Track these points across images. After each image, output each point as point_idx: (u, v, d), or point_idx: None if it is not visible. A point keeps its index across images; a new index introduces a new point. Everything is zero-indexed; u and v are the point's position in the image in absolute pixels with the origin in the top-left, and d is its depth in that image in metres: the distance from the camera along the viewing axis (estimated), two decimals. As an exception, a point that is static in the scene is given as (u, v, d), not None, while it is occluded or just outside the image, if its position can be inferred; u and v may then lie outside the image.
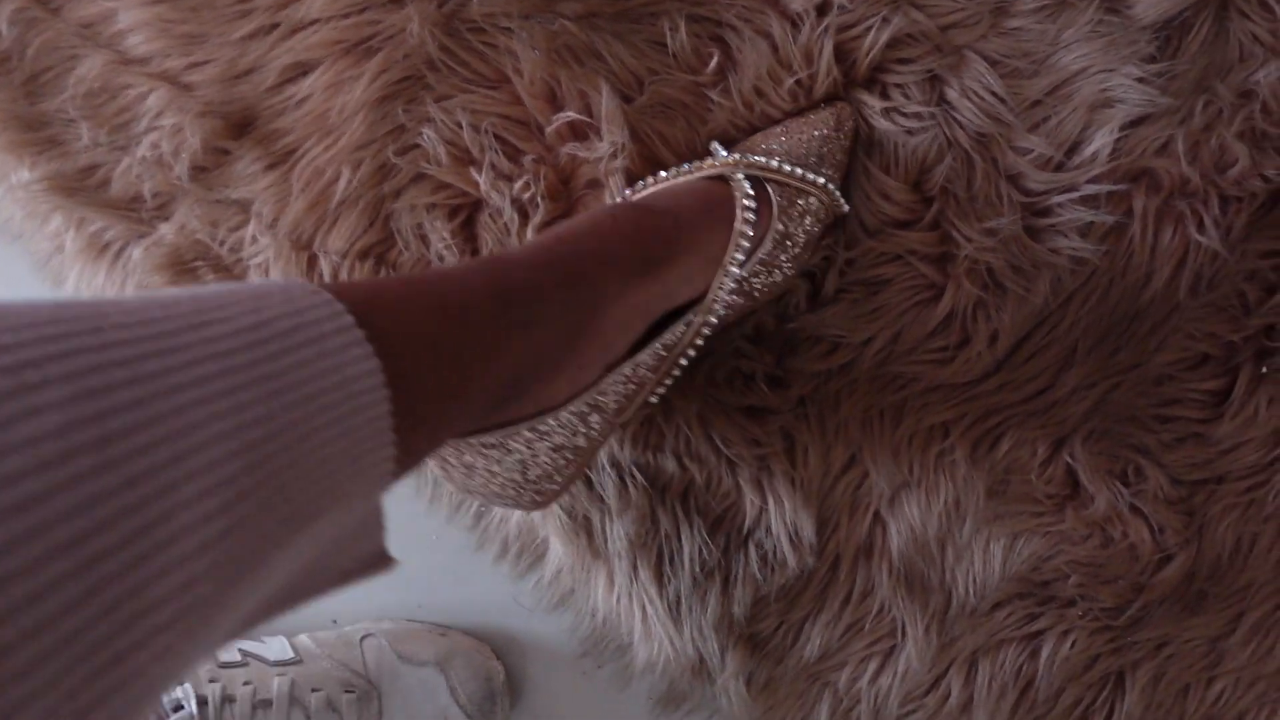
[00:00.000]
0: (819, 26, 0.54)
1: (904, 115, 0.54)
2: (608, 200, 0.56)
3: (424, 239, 0.58)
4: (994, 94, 0.55)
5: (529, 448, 0.45)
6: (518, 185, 0.56)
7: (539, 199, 0.56)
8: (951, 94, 0.55)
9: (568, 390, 0.45)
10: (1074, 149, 0.55)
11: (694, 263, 0.47)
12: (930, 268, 0.55)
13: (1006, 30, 0.55)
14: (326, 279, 0.58)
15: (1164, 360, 0.56)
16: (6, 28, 0.60)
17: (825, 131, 0.54)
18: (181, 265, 0.60)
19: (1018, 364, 0.56)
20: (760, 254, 0.52)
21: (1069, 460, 0.56)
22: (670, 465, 0.58)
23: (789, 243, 0.53)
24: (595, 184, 0.57)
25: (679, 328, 0.49)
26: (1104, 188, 0.54)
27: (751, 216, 0.50)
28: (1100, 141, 0.53)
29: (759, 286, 0.53)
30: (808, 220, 0.53)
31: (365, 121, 0.57)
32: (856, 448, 0.57)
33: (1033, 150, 0.55)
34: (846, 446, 0.57)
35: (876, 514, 0.58)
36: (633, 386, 0.49)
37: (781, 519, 0.57)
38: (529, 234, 0.56)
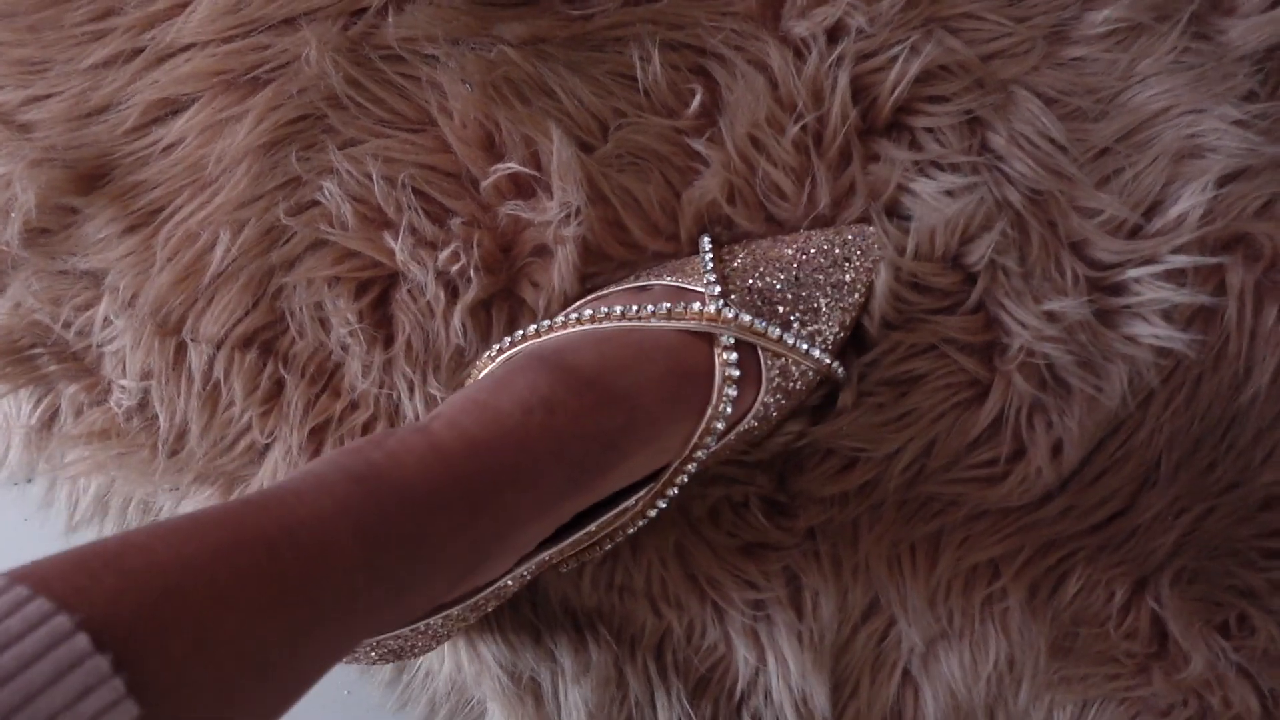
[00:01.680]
0: (830, 55, 0.43)
1: (940, 169, 0.42)
2: (555, 277, 0.43)
3: (323, 322, 0.45)
4: (1051, 140, 0.43)
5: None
6: (444, 255, 0.43)
7: (471, 272, 0.43)
8: (997, 141, 0.43)
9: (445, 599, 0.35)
10: (1154, 210, 0.43)
11: (642, 461, 0.37)
12: (973, 361, 0.43)
13: (1065, 61, 0.44)
14: (197, 373, 0.45)
15: (1271, 478, 0.44)
16: None
17: (850, 277, 0.42)
18: (16, 353, 0.47)
19: (1086, 483, 0.44)
20: (730, 436, 0.40)
21: (1154, 606, 0.44)
22: (641, 612, 0.45)
23: (771, 414, 0.41)
24: (542, 251, 0.44)
25: (611, 515, 0.39)
26: (1193, 259, 0.42)
27: (728, 408, 0.39)
28: (1188, 201, 0.42)
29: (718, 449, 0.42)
30: (798, 386, 0.41)
31: (250, 172, 0.44)
32: (880, 591, 0.44)
33: (1102, 212, 0.43)
34: (867, 590, 0.44)
35: (906, 674, 0.45)
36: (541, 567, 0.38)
37: (785, 682, 0.44)
38: (456, 317, 0.44)
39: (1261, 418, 0.44)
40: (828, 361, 0.41)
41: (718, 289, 0.40)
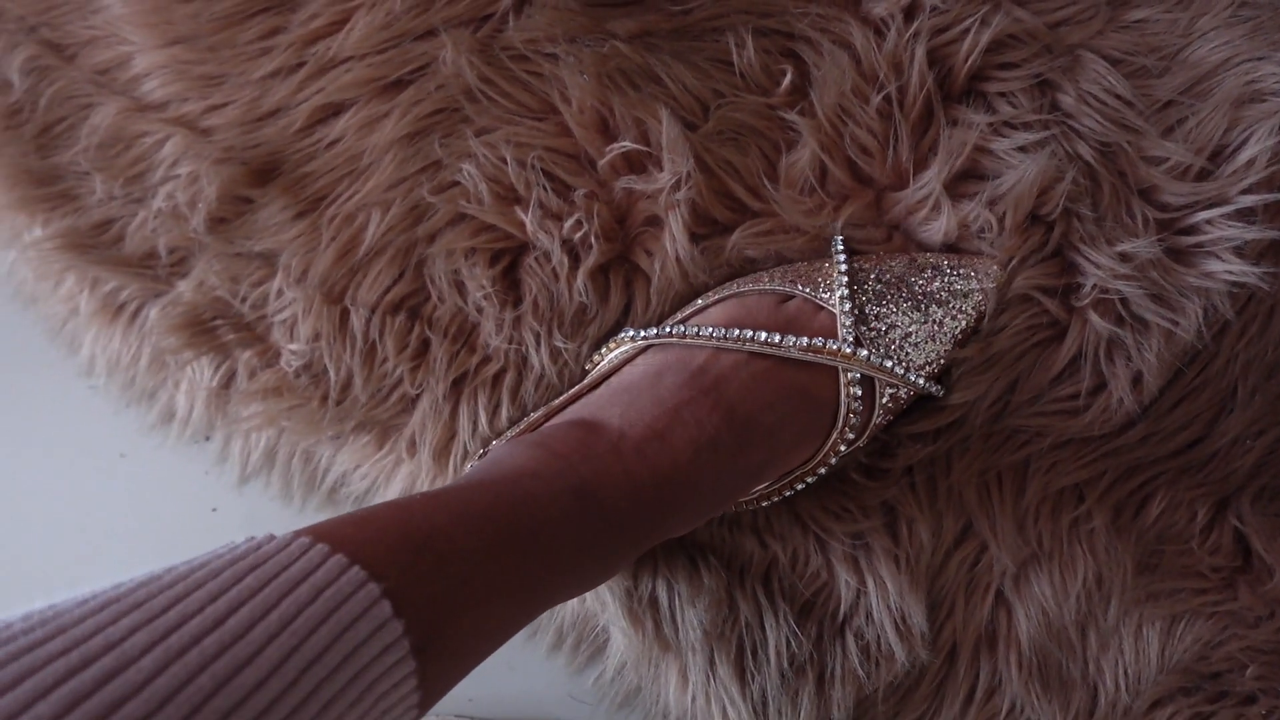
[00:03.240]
0: (907, 31, 0.47)
1: (1014, 128, 0.47)
2: (667, 242, 0.48)
3: (460, 288, 0.51)
4: (1118, 97, 0.47)
5: None
6: (568, 224, 0.49)
7: (592, 239, 0.49)
8: (1067, 101, 0.47)
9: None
10: (1220, 154, 0.46)
11: (763, 485, 0.45)
12: (1052, 302, 0.47)
13: (1128, 24, 0.48)
14: (358, 334, 0.52)
15: (1348, 401, 0.46)
16: (18, 79, 0.56)
17: (967, 311, 0.46)
18: (200, 325, 0.55)
19: (1165, 411, 0.47)
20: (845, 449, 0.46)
21: (1237, 524, 0.46)
22: (749, 544, 0.50)
23: (878, 427, 0.47)
24: (654, 221, 0.50)
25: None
26: (1262, 197, 0.45)
27: (851, 433, 0.45)
28: (1256, 146, 0.45)
29: None
30: (903, 405, 0.47)
31: (396, 159, 0.51)
32: (972, 518, 0.48)
33: (1169, 159, 0.47)
34: (959, 516, 0.48)
35: (999, 595, 0.49)
36: None
37: (885, 603, 0.48)
38: (579, 279, 0.50)
39: (1335, 345, 0.46)
40: (933, 389, 0.46)
41: (852, 333, 0.44)
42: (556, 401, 0.48)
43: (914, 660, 0.49)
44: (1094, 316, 0.47)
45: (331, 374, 0.52)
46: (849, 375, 0.44)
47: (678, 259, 0.49)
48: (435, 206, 0.51)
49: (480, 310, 0.51)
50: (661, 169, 0.49)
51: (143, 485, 0.59)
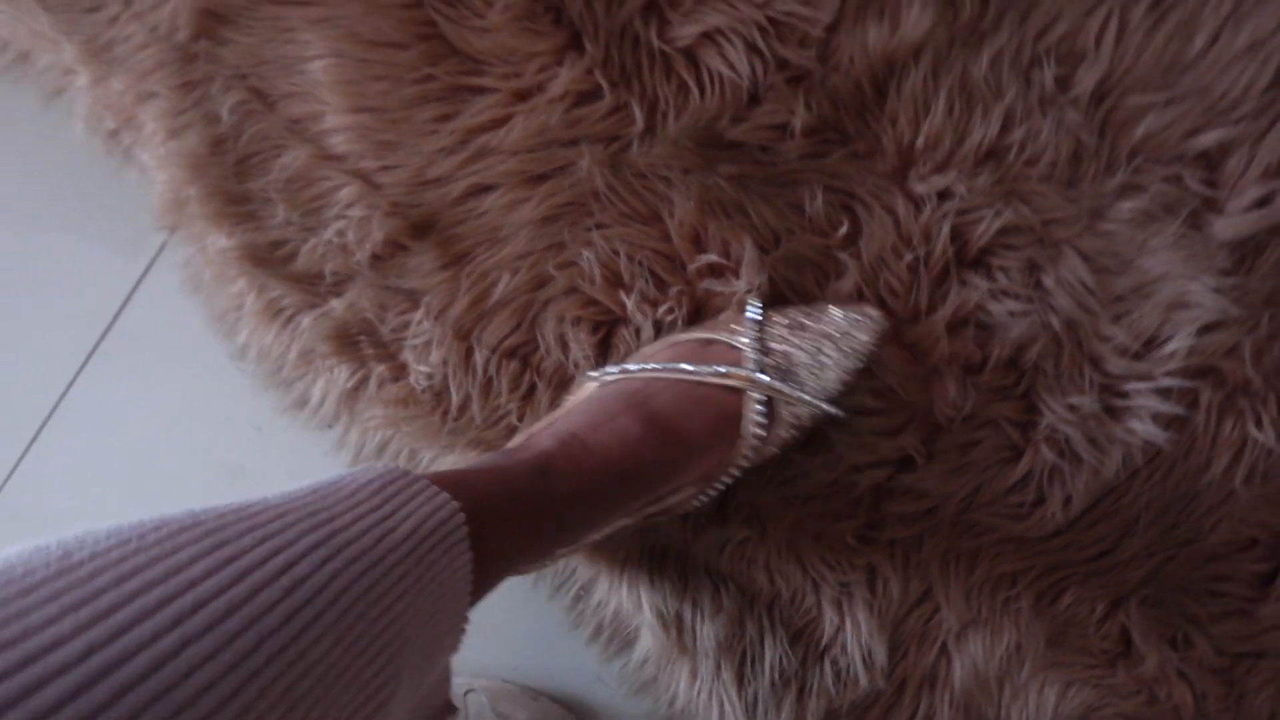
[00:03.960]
0: (939, 210, 0.63)
1: (1010, 298, 0.62)
2: (727, 328, 0.63)
3: (564, 346, 0.65)
4: (1085, 285, 0.62)
5: None
6: (661, 309, 0.64)
7: (678, 322, 0.64)
8: (1048, 281, 0.63)
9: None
10: (1151, 343, 0.62)
11: (690, 477, 0.57)
12: (1016, 432, 0.62)
13: (1101, 231, 0.63)
14: (479, 368, 0.65)
15: (1217, 540, 0.62)
16: (227, 115, 0.69)
17: (852, 351, 0.59)
18: (345, 338, 0.68)
19: (1084, 527, 0.62)
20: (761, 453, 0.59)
21: (1124, 620, 0.62)
22: (761, 578, 0.64)
23: (790, 440, 0.60)
24: (724, 309, 0.64)
25: (659, 509, 0.59)
26: (1176, 382, 0.61)
27: (754, 451, 0.57)
28: (1178, 343, 0.61)
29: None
30: (806, 424, 0.59)
31: (529, 235, 0.65)
32: (932, 584, 0.63)
33: (1114, 339, 0.62)
34: (923, 581, 0.63)
35: (944, 646, 0.63)
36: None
37: (857, 640, 0.63)
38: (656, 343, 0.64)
39: (1214, 497, 0.62)
40: (831, 410, 0.58)
41: (754, 360, 0.57)
42: (541, 421, 0.60)
43: (873, 687, 0.63)
44: (1044, 448, 0.62)
45: (453, 396, 0.65)
46: (753, 395, 0.57)
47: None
48: (555, 278, 0.65)
49: (578, 366, 0.65)
50: (738, 278, 0.63)
51: (269, 458, 0.71)
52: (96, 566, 0.29)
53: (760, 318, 0.59)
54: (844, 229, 0.64)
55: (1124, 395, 0.62)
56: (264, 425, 0.71)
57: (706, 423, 0.56)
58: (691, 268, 0.64)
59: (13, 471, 0.75)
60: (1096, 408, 0.62)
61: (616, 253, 0.64)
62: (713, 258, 0.63)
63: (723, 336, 0.59)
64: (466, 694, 0.64)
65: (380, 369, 0.67)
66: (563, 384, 0.65)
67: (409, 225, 0.66)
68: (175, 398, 0.73)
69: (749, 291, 0.62)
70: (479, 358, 0.65)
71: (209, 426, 0.72)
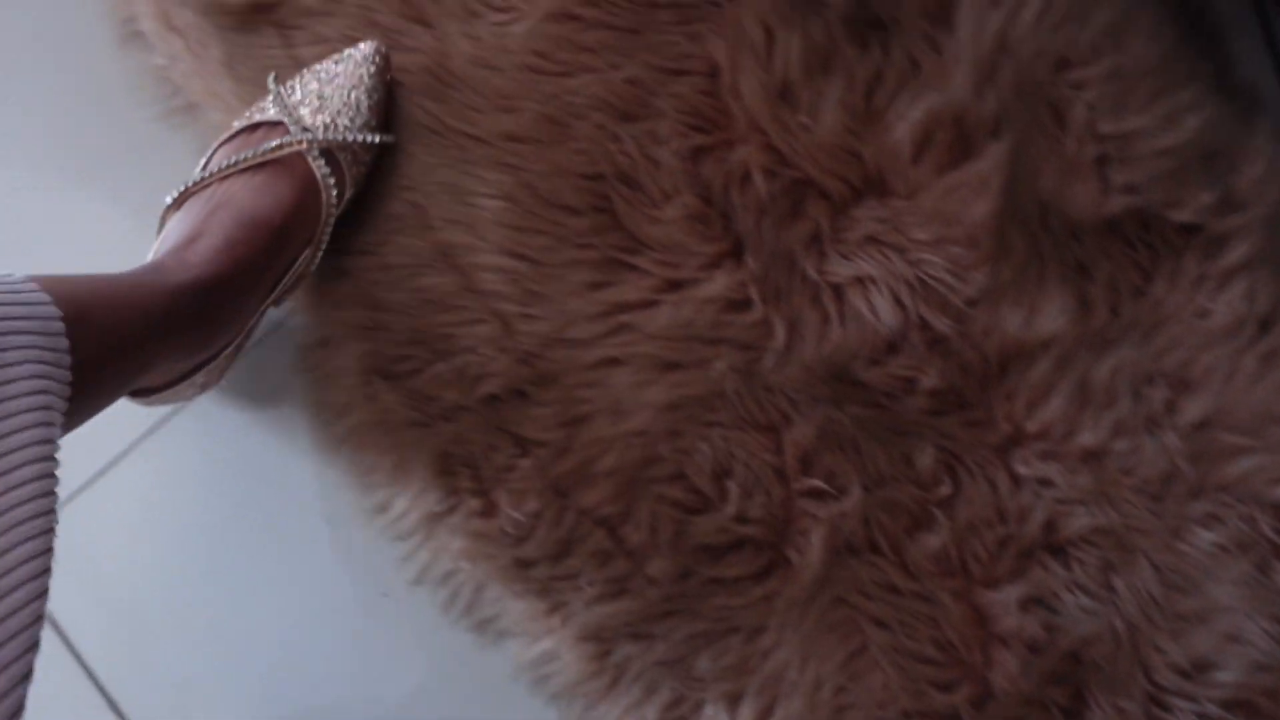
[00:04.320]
0: (1038, 495, 0.66)
1: (1084, 593, 0.65)
2: (812, 552, 0.65)
3: (655, 530, 0.67)
4: (1153, 597, 0.66)
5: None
6: (753, 509, 0.66)
7: (763, 524, 0.66)
8: (1119, 584, 0.66)
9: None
10: (1202, 667, 0.66)
11: (299, 242, 0.65)
12: (1062, 718, 0.65)
13: (1177, 550, 0.67)
14: (568, 527, 0.67)
15: None
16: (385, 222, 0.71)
17: (369, 82, 0.67)
18: (446, 465, 0.69)
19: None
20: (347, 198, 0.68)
21: None
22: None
23: (360, 178, 0.68)
24: (806, 532, 0.67)
25: (290, 277, 0.66)
26: (1217, 711, 0.64)
27: (334, 198, 0.65)
28: (1227, 675, 0.64)
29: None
30: (365, 156, 0.68)
31: (649, 417, 0.68)
32: None
33: (1170, 655, 0.66)
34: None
35: None
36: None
37: None
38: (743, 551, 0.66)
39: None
40: (378, 138, 0.67)
41: (293, 126, 0.64)
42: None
43: None
44: (1087, 741, 0.65)
45: (535, 548, 0.67)
46: (312, 154, 0.64)
47: (814, 562, 0.66)
48: (665, 462, 0.67)
49: (653, 549, 0.67)
50: (837, 500, 0.66)
51: (334, 554, 0.71)
52: None
53: (280, 89, 0.67)
54: (945, 489, 0.67)
55: (1167, 709, 0.65)
56: (337, 521, 0.72)
57: (289, 196, 0.63)
58: (795, 486, 0.67)
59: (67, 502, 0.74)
60: (1140, 713, 0.65)
61: (731, 454, 0.67)
62: (818, 483, 0.66)
63: (259, 117, 0.66)
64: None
65: (472, 502, 0.68)
66: (641, 560, 0.67)
67: (535, 376, 0.68)
68: (247, 469, 0.73)
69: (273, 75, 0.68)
70: (570, 518, 0.67)
71: (278, 506, 0.72)
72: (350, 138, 0.65)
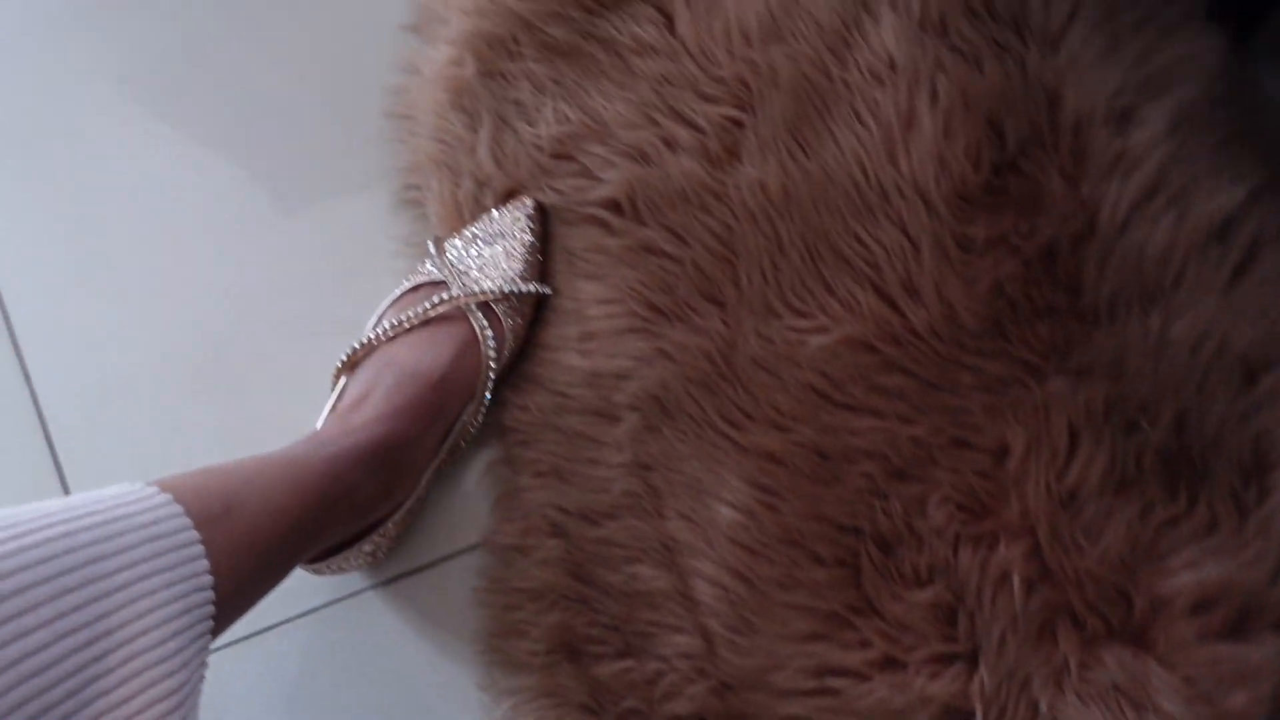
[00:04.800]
0: None
1: None
2: None
3: None
4: None
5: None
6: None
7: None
8: None
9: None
10: None
11: (463, 399, 0.66)
12: None
13: None
14: None
15: None
16: (614, 492, 0.68)
17: (525, 236, 0.68)
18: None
19: None
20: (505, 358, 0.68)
21: None
22: None
23: (519, 331, 0.69)
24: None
25: (455, 433, 0.68)
26: None
27: (493, 350, 0.65)
28: None
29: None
30: (525, 308, 0.68)
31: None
32: None
33: None
34: None
35: None
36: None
37: None
38: None
39: None
40: (533, 288, 0.68)
41: (453, 282, 0.65)
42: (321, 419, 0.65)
43: None
44: None
45: None
46: (470, 308, 0.65)
47: None
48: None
49: None
50: None
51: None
52: None
53: (439, 249, 0.68)
54: None
55: None
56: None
57: (448, 352, 0.64)
58: None
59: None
60: None
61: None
62: None
63: (421, 279, 0.67)
64: None
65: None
66: None
67: (726, 712, 0.65)
68: (395, 680, 0.70)
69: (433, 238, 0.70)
70: None
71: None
72: (506, 289, 0.66)
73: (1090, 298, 0.65)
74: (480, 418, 0.68)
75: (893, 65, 0.67)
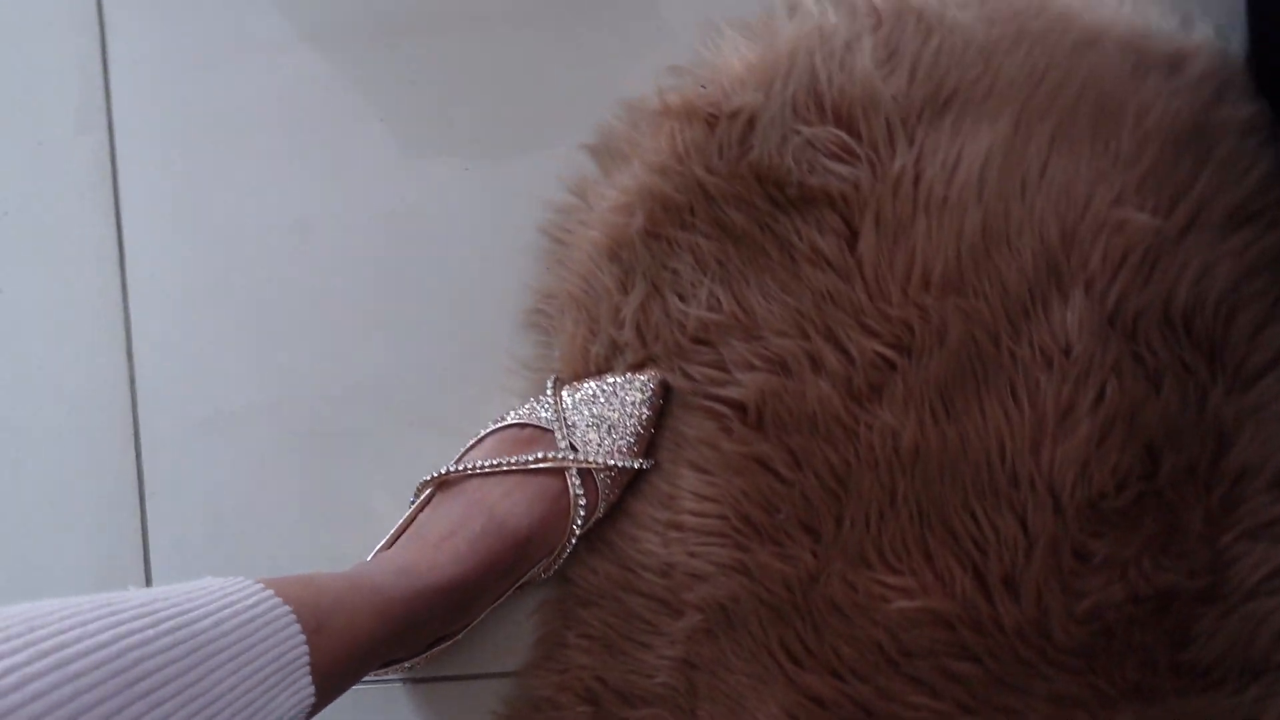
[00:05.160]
0: None
1: None
2: None
3: None
4: None
5: None
6: None
7: None
8: None
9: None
10: None
11: (538, 556, 0.66)
12: None
13: None
14: None
15: None
16: (659, 681, 0.67)
17: (643, 411, 0.67)
18: None
19: None
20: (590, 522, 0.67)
21: None
22: None
23: (612, 498, 0.67)
24: None
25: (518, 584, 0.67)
26: None
27: (582, 518, 0.65)
28: None
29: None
30: (620, 478, 0.67)
31: None
32: None
33: None
34: None
35: None
36: None
37: None
38: None
39: None
40: (633, 465, 0.67)
41: (563, 440, 0.65)
42: (389, 535, 0.65)
43: None
44: None
45: None
46: (570, 472, 0.64)
47: None
48: None
49: None
50: None
51: None
52: None
53: (557, 397, 0.67)
54: None
55: None
56: None
57: (539, 508, 0.64)
58: None
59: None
60: None
61: None
62: None
63: (530, 419, 0.67)
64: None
65: None
66: None
67: None
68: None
69: (553, 378, 0.69)
70: None
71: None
72: (614, 462, 0.65)
73: (1191, 655, 0.62)
74: (550, 572, 0.67)
75: (1067, 352, 0.63)
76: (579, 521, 0.65)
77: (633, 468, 0.67)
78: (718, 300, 0.66)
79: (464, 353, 0.73)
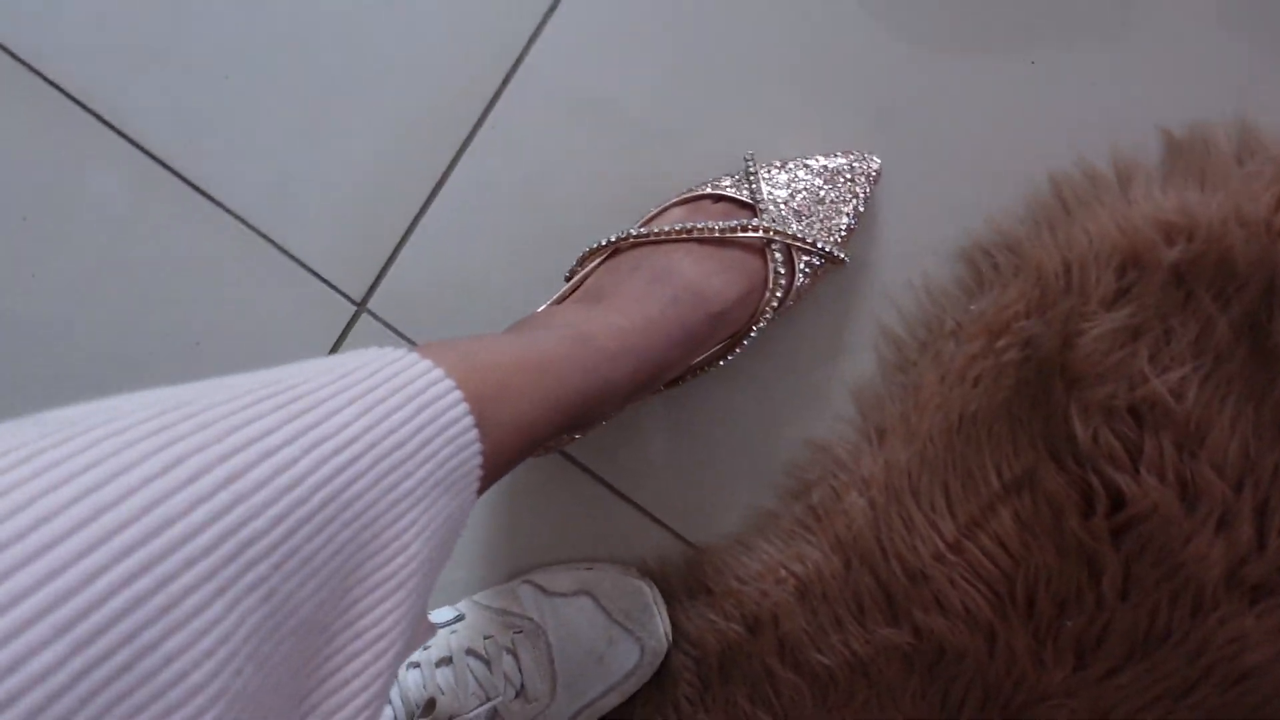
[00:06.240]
0: None
1: None
2: None
3: None
4: None
5: None
6: None
7: None
8: None
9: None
10: None
11: (726, 331, 0.58)
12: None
13: None
14: None
15: None
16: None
17: (856, 203, 0.60)
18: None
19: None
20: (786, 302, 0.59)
21: None
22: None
23: (804, 286, 0.60)
24: None
25: (702, 360, 0.59)
26: None
27: (776, 301, 0.57)
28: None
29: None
30: (819, 267, 0.60)
31: None
32: None
33: None
34: None
35: None
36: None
37: None
38: None
39: None
40: (839, 255, 0.59)
41: (770, 212, 0.58)
42: (556, 296, 0.58)
43: None
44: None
45: None
46: (772, 246, 0.57)
47: None
48: None
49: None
50: None
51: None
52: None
53: (757, 171, 0.59)
54: None
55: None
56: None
57: (733, 282, 0.56)
58: None
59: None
60: None
61: None
62: None
63: (726, 190, 0.59)
64: (516, 587, 0.65)
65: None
66: None
67: None
68: None
69: (750, 154, 0.60)
70: None
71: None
72: (822, 246, 0.58)
73: None
74: (726, 359, 0.60)
75: None
76: (773, 306, 0.57)
77: (840, 258, 0.59)
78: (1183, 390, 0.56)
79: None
